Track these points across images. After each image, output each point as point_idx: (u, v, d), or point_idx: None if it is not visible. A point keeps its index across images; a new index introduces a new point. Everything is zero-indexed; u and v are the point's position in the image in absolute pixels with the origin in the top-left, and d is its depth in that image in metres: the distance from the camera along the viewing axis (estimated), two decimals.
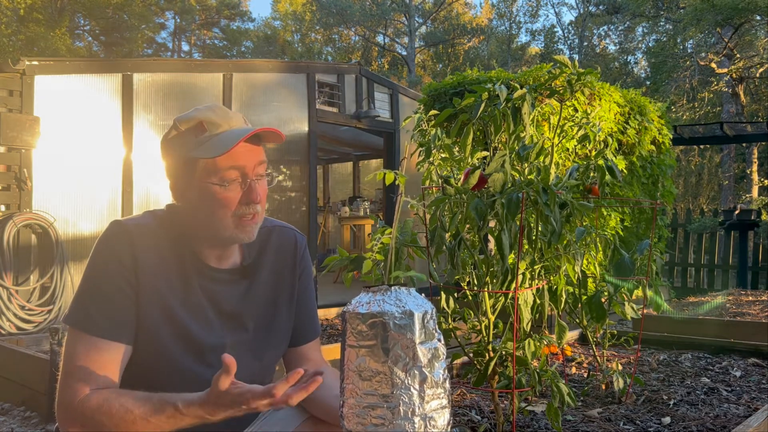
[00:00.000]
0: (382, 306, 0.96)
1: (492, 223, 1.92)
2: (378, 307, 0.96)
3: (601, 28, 26.30)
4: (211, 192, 1.23)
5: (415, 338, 0.95)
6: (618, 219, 4.88)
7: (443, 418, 0.97)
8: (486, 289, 1.97)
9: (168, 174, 1.30)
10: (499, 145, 2.02)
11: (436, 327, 0.99)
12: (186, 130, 1.25)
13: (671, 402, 2.64)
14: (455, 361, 2.46)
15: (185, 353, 1.27)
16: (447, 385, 0.98)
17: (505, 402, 2.50)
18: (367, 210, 9.59)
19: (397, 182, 1.75)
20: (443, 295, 2.01)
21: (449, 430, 0.98)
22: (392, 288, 1.00)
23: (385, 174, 1.86)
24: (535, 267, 2.00)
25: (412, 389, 0.93)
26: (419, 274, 1.27)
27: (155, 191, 5.84)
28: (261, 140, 1.28)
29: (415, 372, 0.94)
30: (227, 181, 1.23)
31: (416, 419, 0.93)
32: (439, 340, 0.98)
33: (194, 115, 1.25)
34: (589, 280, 2.62)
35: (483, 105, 1.92)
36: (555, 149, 2.09)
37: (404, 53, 26.38)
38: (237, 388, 1.08)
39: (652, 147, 5.36)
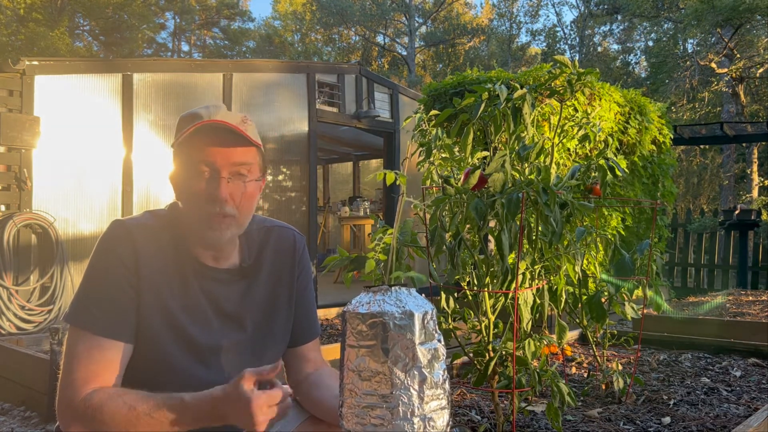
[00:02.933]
0: (383, 306, 0.96)
1: (492, 223, 1.92)
2: (378, 307, 0.96)
3: (601, 28, 26.30)
4: (184, 184, 1.25)
5: (415, 339, 0.94)
6: (619, 219, 4.88)
7: (442, 419, 0.96)
8: (486, 289, 1.97)
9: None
10: (500, 145, 2.02)
11: (436, 328, 0.98)
12: (180, 123, 1.27)
13: (671, 402, 2.64)
14: (455, 361, 2.46)
15: (184, 354, 1.27)
16: (446, 386, 0.98)
17: (505, 402, 2.49)
18: (367, 210, 9.59)
19: (398, 182, 1.74)
20: (443, 295, 2.01)
21: (448, 430, 0.98)
22: (392, 288, 1.00)
23: (385, 174, 1.86)
24: (535, 267, 2.00)
25: (411, 390, 0.93)
26: (420, 275, 1.26)
27: (155, 191, 5.84)
28: (249, 142, 1.26)
29: (415, 372, 0.94)
30: (197, 173, 1.23)
31: (415, 420, 0.93)
32: (439, 340, 0.98)
33: (191, 111, 1.28)
34: (590, 280, 2.62)
35: (483, 105, 1.92)
36: (555, 149, 2.09)
37: (404, 53, 26.37)
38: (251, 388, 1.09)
39: (653, 147, 5.36)
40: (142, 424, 1.10)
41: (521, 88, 1.93)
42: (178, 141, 1.25)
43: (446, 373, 0.98)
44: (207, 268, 1.31)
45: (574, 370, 3.27)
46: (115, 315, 1.21)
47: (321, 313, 5.25)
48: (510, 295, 1.94)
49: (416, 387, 0.94)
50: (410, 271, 1.92)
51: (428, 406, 0.94)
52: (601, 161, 2.26)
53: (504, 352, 1.99)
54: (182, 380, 1.25)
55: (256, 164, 1.29)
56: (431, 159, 2.19)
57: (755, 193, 15.35)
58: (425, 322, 0.97)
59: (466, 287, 2.00)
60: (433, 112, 2.23)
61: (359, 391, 0.95)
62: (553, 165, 2.07)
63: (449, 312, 2.02)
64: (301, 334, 1.46)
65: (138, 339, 1.24)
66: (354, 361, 0.96)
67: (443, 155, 2.20)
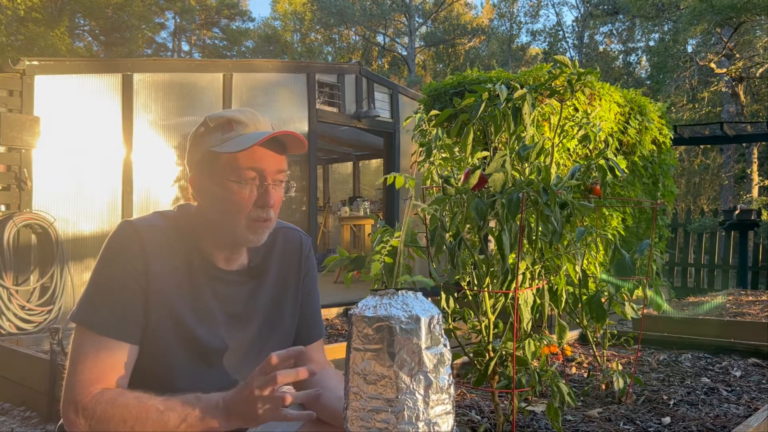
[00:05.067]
0: (389, 310, 0.96)
1: (492, 223, 1.92)
2: (385, 311, 0.96)
3: (602, 28, 26.30)
4: (228, 189, 1.25)
5: (421, 343, 0.94)
6: (619, 219, 4.88)
7: (447, 423, 0.96)
8: (486, 289, 1.97)
9: (190, 168, 1.32)
10: (500, 145, 2.02)
11: (443, 332, 0.98)
12: (214, 127, 1.27)
13: (671, 402, 2.64)
14: (455, 361, 2.45)
15: (188, 354, 1.27)
16: (452, 390, 0.97)
17: (505, 402, 2.49)
18: (367, 210, 9.59)
19: (407, 186, 1.74)
20: (443, 295, 2.01)
21: None
22: (399, 292, 0.99)
23: (395, 177, 1.86)
24: (535, 267, 2.00)
25: (416, 394, 0.93)
26: (426, 280, 1.26)
27: (155, 191, 5.84)
28: (286, 149, 1.31)
29: (421, 377, 0.94)
30: (245, 180, 1.25)
31: (420, 424, 0.93)
32: (445, 345, 0.98)
33: (224, 114, 1.29)
34: (590, 280, 2.62)
35: (483, 105, 1.92)
36: (555, 149, 2.09)
37: (404, 53, 26.38)
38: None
39: (653, 147, 5.36)
40: (152, 419, 1.10)
41: (521, 88, 1.93)
42: (235, 150, 1.22)
43: (451, 377, 0.98)
44: (217, 270, 1.31)
45: (574, 370, 3.27)
46: (122, 317, 1.21)
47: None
48: (510, 295, 1.94)
49: (422, 392, 0.94)
50: (410, 271, 1.92)
51: (433, 411, 0.94)
52: (601, 161, 2.26)
53: (504, 352, 1.99)
54: (184, 380, 1.25)
55: (286, 170, 1.34)
56: (431, 159, 2.19)
57: (755, 193, 15.36)
58: (431, 326, 0.96)
59: (466, 287, 2.00)
60: (433, 112, 2.23)
61: (364, 394, 0.95)
62: (553, 165, 2.07)
63: (449, 312, 2.02)
64: (305, 335, 1.47)
65: (143, 339, 1.24)
66: (360, 364, 0.96)
67: (443, 155, 2.20)
